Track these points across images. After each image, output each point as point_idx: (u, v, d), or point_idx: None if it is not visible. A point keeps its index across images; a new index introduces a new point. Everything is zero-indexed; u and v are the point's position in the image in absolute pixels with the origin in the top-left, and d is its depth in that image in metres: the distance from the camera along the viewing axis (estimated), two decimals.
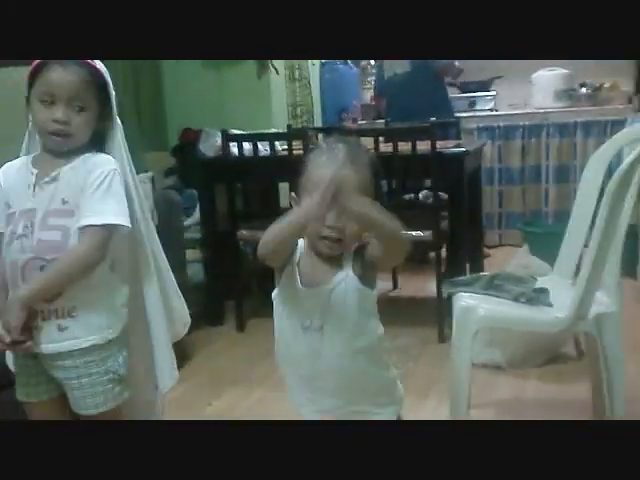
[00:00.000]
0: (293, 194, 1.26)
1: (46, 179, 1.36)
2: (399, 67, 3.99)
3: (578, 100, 4.68)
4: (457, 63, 4.07)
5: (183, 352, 2.91)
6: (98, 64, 1.40)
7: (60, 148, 1.37)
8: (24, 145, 1.47)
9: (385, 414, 1.30)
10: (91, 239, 1.32)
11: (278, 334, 1.30)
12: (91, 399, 1.38)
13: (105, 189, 1.35)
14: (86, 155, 1.39)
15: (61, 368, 1.37)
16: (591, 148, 3.92)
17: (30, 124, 1.42)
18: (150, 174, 2.95)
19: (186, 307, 1.66)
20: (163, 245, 2.80)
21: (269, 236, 1.16)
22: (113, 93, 1.43)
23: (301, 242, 1.24)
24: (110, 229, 1.35)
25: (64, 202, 1.35)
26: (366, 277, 1.22)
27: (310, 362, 1.25)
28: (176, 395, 2.56)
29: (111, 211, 1.34)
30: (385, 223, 1.12)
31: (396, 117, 3.79)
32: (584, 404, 2.19)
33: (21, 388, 1.44)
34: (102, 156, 1.41)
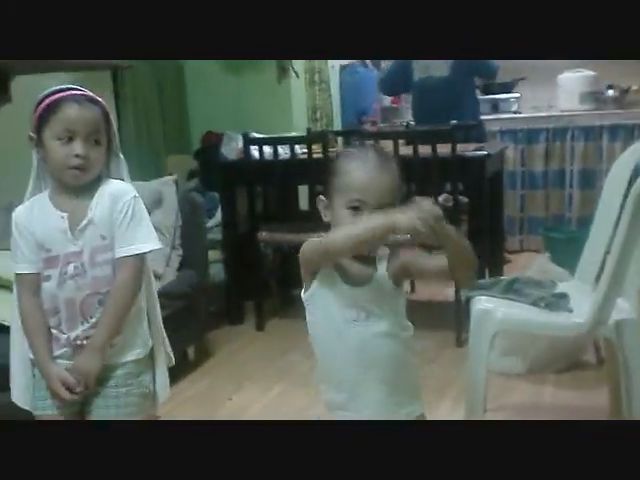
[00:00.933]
0: (322, 197, 1.29)
1: (83, 224, 1.41)
2: (436, 70, 3.73)
3: (604, 103, 4.60)
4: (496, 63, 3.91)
5: (205, 349, 2.97)
6: (101, 100, 1.45)
7: (78, 183, 1.41)
8: (30, 186, 1.48)
9: (418, 406, 1.33)
10: (129, 271, 1.43)
11: (319, 332, 1.34)
12: (124, 409, 1.44)
13: (131, 217, 1.43)
14: (102, 187, 1.45)
15: (102, 379, 1.43)
16: (617, 152, 3.82)
17: (36, 163, 1.45)
18: (174, 177, 3.00)
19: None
20: (186, 245, 2.86)
21: (341, 237, 1.19)
22: (115, 130, 1.49)
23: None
24: (142, 256, 1.46)
25: (103, 238, 1.42)
26: (396, 280, 1.27)
27: (358, 353, 1.27)
28: (198, 390, 2.62)
29: (141, 239, 1.44)
30: (465, 245, 1.21)
31: (425, 120, 3.71)
32: (601, 410, 2.18)
33: (41, 401, 1.47)
34: (118, 184, 1.47)
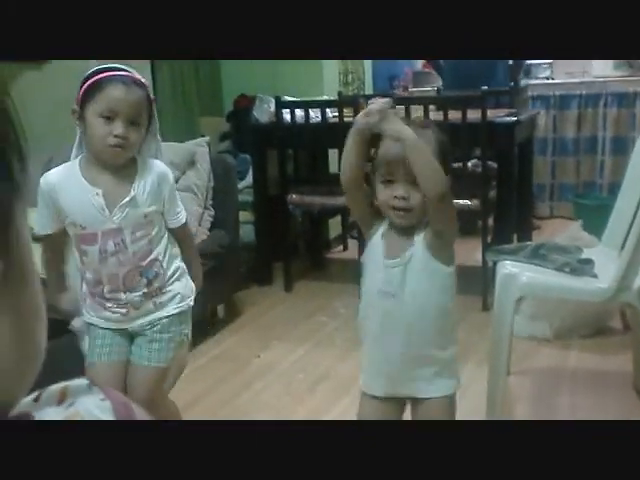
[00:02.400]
0: (371, 175, 1.37)
1: (124, 202, 1.47)
2: None
3: (638, 69, 4.51)
4: None
5: (234, 308, 3.06)
6: (146, 82, 1.50)
7: (115, 161, 1.47)
8: (72, 154, 1.54)
9: (446, 387, 1.37)
10: (189, 231, 1.71)
11: (362, 296, 1.42)
12: (164, 353, 1.57)
13: (175, 194, 1.60)
14: (143, 167, 1.52)
15: (147, 325, 1.56)
16: None
17: (80, 135, 1.50)
18: (207, 138, 3.04)
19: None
20: (218, 206, 2.93)
21: (342, 161, 1.37)
22: (155, 113, 1.55)
23: (387, 220, 1.36)
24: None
25: (145, 216, 1.51)
26: (438, 251, 1.32)
27: (381, 324, 1.35)
28: (227, 347, 2.71)
29: (181, 210, 1.63)
30: (418, 145, 1.24)
31: (454, 86, 3.70)
32: (625, 376, 2.21)
33: (93, 350, 1.57)
34: (160, 165, 1.56)
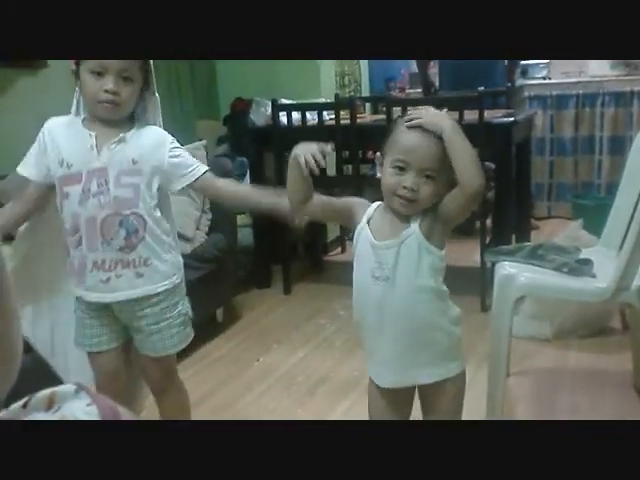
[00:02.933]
0: (379, 154, 1.35)
1: (113, 140, 1.47)
2: None
3: (635, 68, 4.52)
4: None
5: (233, 312, 3.05)
6: None
7: (109, 117, 1.47)
8: (73, 109, 1.55)
9: (444, 369, 1.36)
10: (216, 181, 1.59)
11: (354, 285, 1.39)
12: (169, 340, 1.56)
13: (183, 153, 1.56)
14: (142, 127, 1.52)
15: (142, 317, 1.54)
16: None
17: (77, 94, 1.52)
18: (204, 142, 3.04)
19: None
20: (215, 209, 2.93)
21: (289, 195, 1.37)
22: (152, 69, 1.54)
23: (374, 205, 1.36)
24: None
25: (134, 162, 1.48)
26: (433, 235, 1.31)
27: (377, 311, 1.33)
28: (226, 351, 2.71)
29: (200, 165, 1.58)
30: (459, 136, 1.26)
31: (450, 86, 3.72)
32: (625, 375, 2.21)
33: (91, 339, 1.57)
34: (153, 130, 1.55)
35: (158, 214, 1.53)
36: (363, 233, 1.34)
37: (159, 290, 1.53)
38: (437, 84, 4.00)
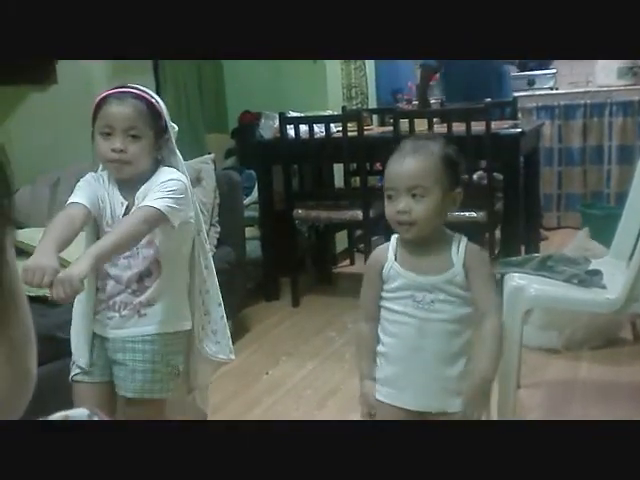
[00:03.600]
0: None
1: (133, 209, 1.49)
2: None
3: None
4: None
5: (241, 325, 3.05)
6: (153, 97, 1.52)
7: (121, 175, 1.50)
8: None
9: (452, 404, 1.37)
10: (141, 212, 1.44)
11: (387, 316, 1.39)
12: (149, 385, 1.52)
13: (168, 188, 1.46)
14: (154, 176, 1.52)
15: (130, 350, 1.52)
16: None
17: (94, 156, 1.54)
18: (212, 155, 3.07)
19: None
20: (224, 222, 2.94)
21: None
22: (171, 123, 1.55)
23: (393, 241, 1.37)
24: (158, 214, 1.43)
25: None
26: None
27: (417, 332, 1.34)
28: (235, 364, 2.69)
29: (165, 204, 1.44)
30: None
31: (455, 98, 3.72)
32: (636, 386, 2.19)
33: (80, 368, 1.56)
34: (167, 169, 1.55)
35: (179, 257, 1.55)
36: (393, 271, 1.35)
37: (158, 332, 1.52)
38: (442, 97, 4.00)
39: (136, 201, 1.49)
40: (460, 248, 1.33)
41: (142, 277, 1.50)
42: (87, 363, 1.55)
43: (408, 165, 1.30)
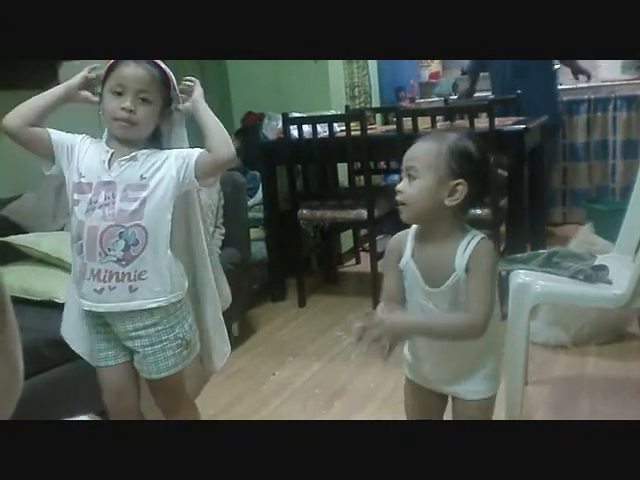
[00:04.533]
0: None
1: (124, 157, 1.51)
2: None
3: None
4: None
5: (248, 326, 3.06)
6: (165, 67, 1.53)
7: (124, 136, 1.51)
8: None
9: (486, 387, 1.39)
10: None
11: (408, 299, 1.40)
12: (163, 363, 1.56)
13: (184, 151, 1.56)
14: (158, 149, 1.56)
15: (136, 338, 1.54)
16: None
17: (100, 115, 1.55)
18: None
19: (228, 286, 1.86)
20: (229, 224, 2.94)
21: None
22: (178, 94, 1.57)
23: (410, 235, 1.36)
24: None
25: (142, 178, 1.51)
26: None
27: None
28: (241, 365, 2.71)
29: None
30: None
31: (502, 90, 3.74)
32: None
33: (98, 353, 1.60)
34: (170, 151, 1.57)
35: (166, 229, 1.52)
36: (408, 266, 1.34)
37: (151, 306, 1.51)
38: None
39: (134, 152, 1.50)
40: (468, 248, 1.27)
41: (128, 245, 1.48)
42: (86, 347, 1.61)
43: (413, 148, 1.32)
